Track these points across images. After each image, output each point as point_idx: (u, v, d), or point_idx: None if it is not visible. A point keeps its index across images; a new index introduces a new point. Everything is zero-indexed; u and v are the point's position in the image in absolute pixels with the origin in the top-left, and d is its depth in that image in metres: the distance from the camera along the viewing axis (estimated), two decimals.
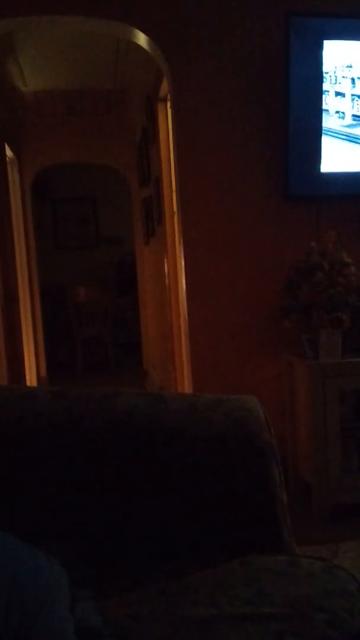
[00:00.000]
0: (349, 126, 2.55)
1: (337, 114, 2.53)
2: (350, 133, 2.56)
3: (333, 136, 2.54)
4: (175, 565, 1.15)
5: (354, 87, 2.51)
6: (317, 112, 2.50)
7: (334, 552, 2.07)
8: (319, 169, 2.57)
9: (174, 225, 3.25)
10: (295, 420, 2.67)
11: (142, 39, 2.73)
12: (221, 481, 1.22)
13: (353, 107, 2.53)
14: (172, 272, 3.49)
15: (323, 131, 2.53)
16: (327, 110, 2.51)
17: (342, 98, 2.52)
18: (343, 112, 2.53)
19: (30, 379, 4.89)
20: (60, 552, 1.03)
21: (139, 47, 2.88)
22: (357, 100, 2.52)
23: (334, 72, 2.48)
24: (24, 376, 4.61)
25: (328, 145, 2.55)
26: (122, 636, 0.94)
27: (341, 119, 2.53)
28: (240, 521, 1.21)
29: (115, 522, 1.18)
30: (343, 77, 2.49)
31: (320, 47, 2.46)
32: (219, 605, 1.03)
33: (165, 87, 3.12)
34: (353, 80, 2.51)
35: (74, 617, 0.92)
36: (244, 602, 1.03)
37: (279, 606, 1.02)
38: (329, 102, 2.50)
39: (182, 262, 2.81)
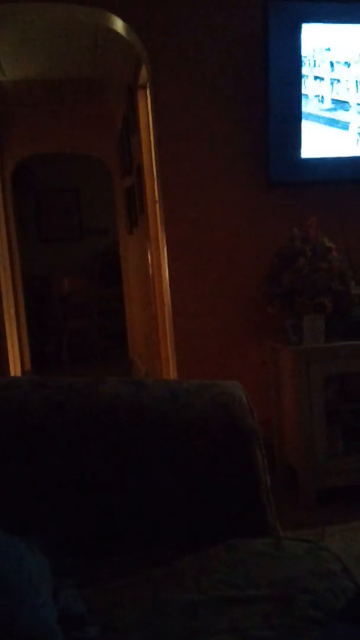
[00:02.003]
0: (328, 110, 2.54)
1: (317, 98, 2.52)
2: (330, 117, 2.55)
3: (313, 121, 2.53)
4: (160, 551, 1.15)
5: (332, 70, 2.50)
6: (296, 96, 2.49)
7: (320, 536, 2.09)
8: (300, 154, 2.57)
9: (156, 214, 3.22)
10: (280, 405, 2.68)
11: (119, 25, 2.68)
12: (204, 466, 1.21)
13: (332, 90, 2.52)
14: (155, 261, 3.46)
15: (303, 116, 2.52)
16: (306, 95, 2.50)
17: (321, 82, 2.50)
18: (322, 96, 2.52)
19: (15, 373, 4.85)
20: (42, 542, 1.03)
21: (118, 34, 2.83)
22: (336, 84, 2.51)
23: (313, 56, 2.47)
24: (9, 370, 4.57)
25: (308, 130, 2.54)
26: (106, 623, 0.94)
27: (321, 103, 2.52)
28: (224, 505, 1.21)
29: (98, 511, 1.18)
30: (322, 60, 2.48)
31: (298, 31, 2.44)
32: (204, 590, 1.03)
33: (144, 75, 3.08)
34: (332, 63, 2.49)
35: (57, 606, 0.92)
36: (229, 585, 1.04)
37: (264, 589, 1.02)
38: (308, 86, 2.49)
39: (164, 251, 2.79)
